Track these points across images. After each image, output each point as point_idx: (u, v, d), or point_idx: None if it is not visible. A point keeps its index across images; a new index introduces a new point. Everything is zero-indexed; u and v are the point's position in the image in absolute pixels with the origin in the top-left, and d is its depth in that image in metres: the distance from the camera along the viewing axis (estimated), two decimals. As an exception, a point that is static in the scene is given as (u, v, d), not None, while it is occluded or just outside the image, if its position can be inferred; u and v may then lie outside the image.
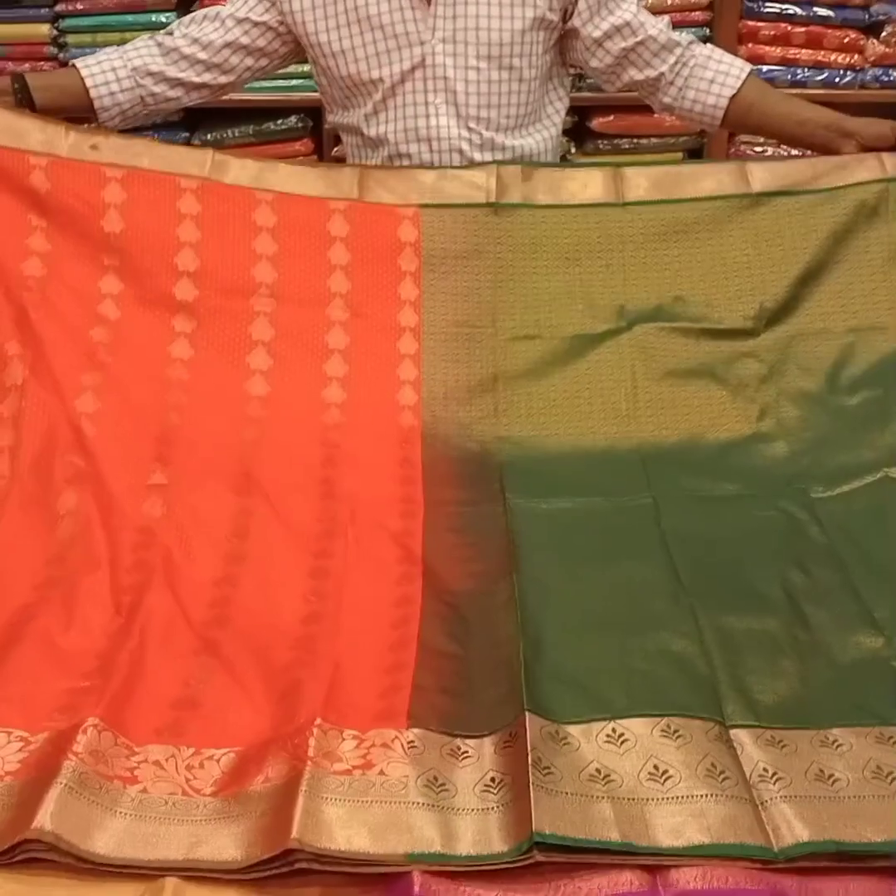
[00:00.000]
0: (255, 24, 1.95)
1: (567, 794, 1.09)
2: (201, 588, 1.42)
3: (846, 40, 2.76)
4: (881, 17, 2.74)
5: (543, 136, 2.03)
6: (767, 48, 2.76)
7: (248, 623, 1.37)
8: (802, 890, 1.03)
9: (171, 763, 1.15)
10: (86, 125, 1.89)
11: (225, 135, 2.82)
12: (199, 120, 2.84)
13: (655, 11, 2.66)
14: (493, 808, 1.10)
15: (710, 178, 1.81)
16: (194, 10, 2.69)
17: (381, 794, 1.10)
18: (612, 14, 1.94)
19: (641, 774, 1.12)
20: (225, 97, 2.70)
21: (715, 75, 1.93)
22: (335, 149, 2.84)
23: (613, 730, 1.17)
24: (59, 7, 2.75)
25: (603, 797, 1.10)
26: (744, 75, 1.93)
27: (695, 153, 2.92)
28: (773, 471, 1.63)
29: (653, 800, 1.10)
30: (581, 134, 2.87)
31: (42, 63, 2.77)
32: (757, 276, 1.75)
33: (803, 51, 2.77)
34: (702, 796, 1.10)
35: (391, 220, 1.77)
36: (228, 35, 1.96)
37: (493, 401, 1.70)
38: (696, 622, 1.33)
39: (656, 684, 1.24)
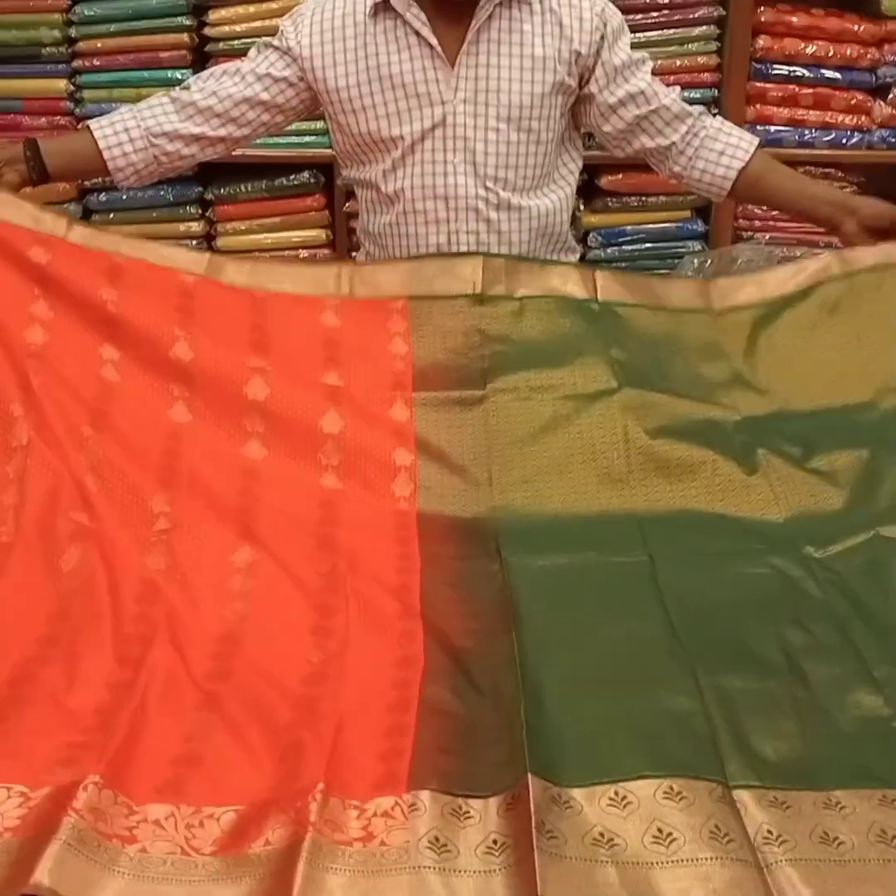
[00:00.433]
0: (276, 80, 1.98)
1: (571, 858, 1.08)
2: (204, 642, 1.41)
3: (853, 102, 2.79)
4: (888, 80, 2.77)
5: (558, 196, 2.06)
6: (775, 109, 2.79)
7: (250, 679, 1.36)
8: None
9: (171, 822, 1.14)
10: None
11: (238, 190, 2.85)
12: (213, 175, 2.87)
13: (664, 72, 2.73)
14: (495, 871, 1.09)
15: (676, 294, 1.88)
16: (210, 67, 2.76)
17: (382, 864, 1.09)
18: (627, 82, 1.98)
19: (645, 838, 1.11)
20: (237, 152, 2.74)
21: (725, 147, 1.98)
22: (347, 205, 2.87)
23: (616, 792, 1.16)
24: (76, 63, 2.79)
25: (607, 861, 1.09)
26: (752, 149, 1.98)
27: (702, 212, 2.94)
28: (766, 532, 1.63)
29: (658, 864, 1.09)
30: (590, 191, 2.89)
31: (59, 118, 2.81)
32: (733, 371, 1.80)
33: (811, 112, 2.80)
34: (707, 859, 1.09)
35: (380, 313, 1.81)
36: (248, 90, 1.98)
37: (486, 469, 1.70)
38: (696, 681, 1.32)
39: (657, 744, 1.23)
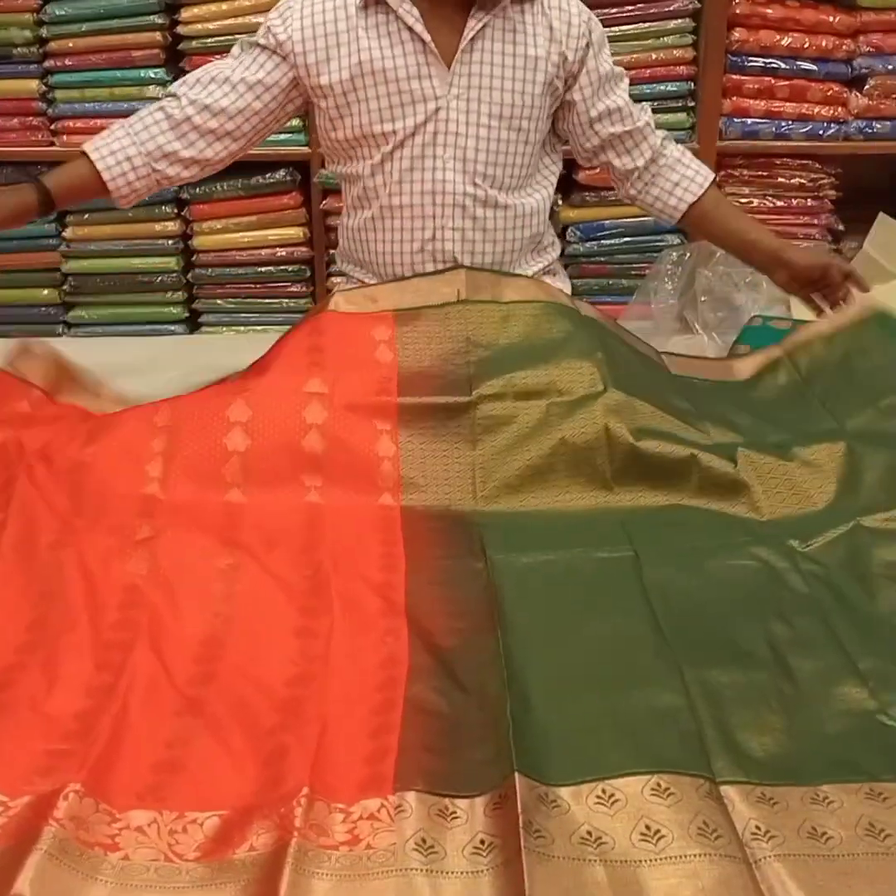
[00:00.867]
0: (268, 87, 1.94)
1: (559, 858, 1.07)
2: (187, 646, 1.40)
3: (829, 93, 2.78)
4: (864, 71, 2.77)
5: (541, 195, 2.07)
6: (752, 101, 2.78)
7: (234, 682, 1.35)
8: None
9: (153, 828, 1.13)
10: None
11: (213, 188, 2.82)
12: (188, 174, 2.85)
13: (640, 66, 2.74)
14: (483, 871, 1.08)
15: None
16: (184, 67, 2.74)
17: (368, 867, 1.09)
18: (607, 96, 2.02)
19: (633, 835, 1.11)
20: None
21: (680, 179, 2.07)
22: (323, 202, 2.85)
23: (603, 791, 1.15)
24: (48, 63, 2.76)
25: (595, 860, 1.08)
26: (707, 185, 2.08)
27: (681, 205, 2.93)
28: (750, 526, 1.64)
29: (646, 861, 1.08)
30: (567, 186, 2.88)
31: (31, 118, 2.78)
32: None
33: (787, 104, 2.79)
34: (695, 856, 1.09)
35: (365, 322, 1.83)
36: (240, 101, 1.94)
37: (470, 476, 1.70)
38: (682, 677, 1.32)
39: (644, 741, 1.23)
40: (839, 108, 2.80)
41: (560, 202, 2.87)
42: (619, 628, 1.42)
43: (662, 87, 2.78)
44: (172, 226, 2.86)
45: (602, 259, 2.91)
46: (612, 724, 1.25)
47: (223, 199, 2.86)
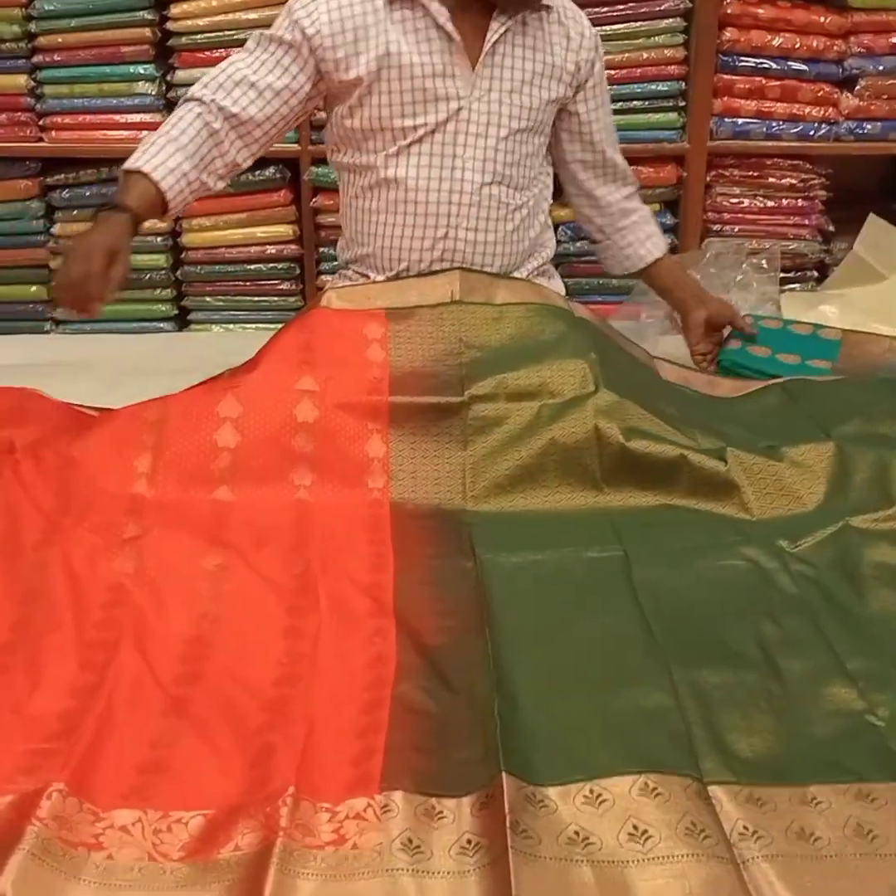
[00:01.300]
0: (294, 92, 1.92)
1: (546, 858, 1.07)
2: (173, 645, 1.39)
3: (820, 94, 2.78)
4: (855, 72, 2.76)
5: (543, 194, 2.13)
6: (742, 102, 2.77)
7: (220, 682, 1.34)
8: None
9: (138, 827, 1.12)
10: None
11: (203, 186, 2.82)
12: (177, 171, 2.84)
13: (631, 65, 2.75)
14: (469, 871, 1.08)
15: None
16: (173, 63, 2.73)
17: (354, 868, 1.08)
18: (605, 115, 2.13)
19: (621, 835, 1.10)
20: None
21: (651, 235, 2.23)
22: (312, 200, 2.84)
23: (591, 790, 1.15)
24: (37, 58, 2.74)
25: (582, 861, 1.08)
26: (665, 250, 2.25)
27: (671, 206, 2.93)
28: (740, 526, 1.64)
29: (633, 862, 1.08)
30: (558, 185, 2.87)
31: (19, 114, 2.76)
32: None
33: (778, 104, 2.78)
34: (683, 856, 1.08)
35: (358, 319, 1.83)
36: (268, 107, 1.92)
37: (460, 477, 1.70)
38: (671, 676, 1.32)
39: (632, 741, 1.22)
40: (830, 109, 2.80)
41: (551, 200, 2.86)
42: (608, 628, 1.42)
43: (653, 87, 2.77)
44: (161, 223, 2.85)
45: (592, 258, 2.90)
46: (601, 724, 1.25)
47: (212, 197, 2.80)
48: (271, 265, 2.91)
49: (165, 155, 1.86)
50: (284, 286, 2.93)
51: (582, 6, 2.06)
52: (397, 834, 1.11)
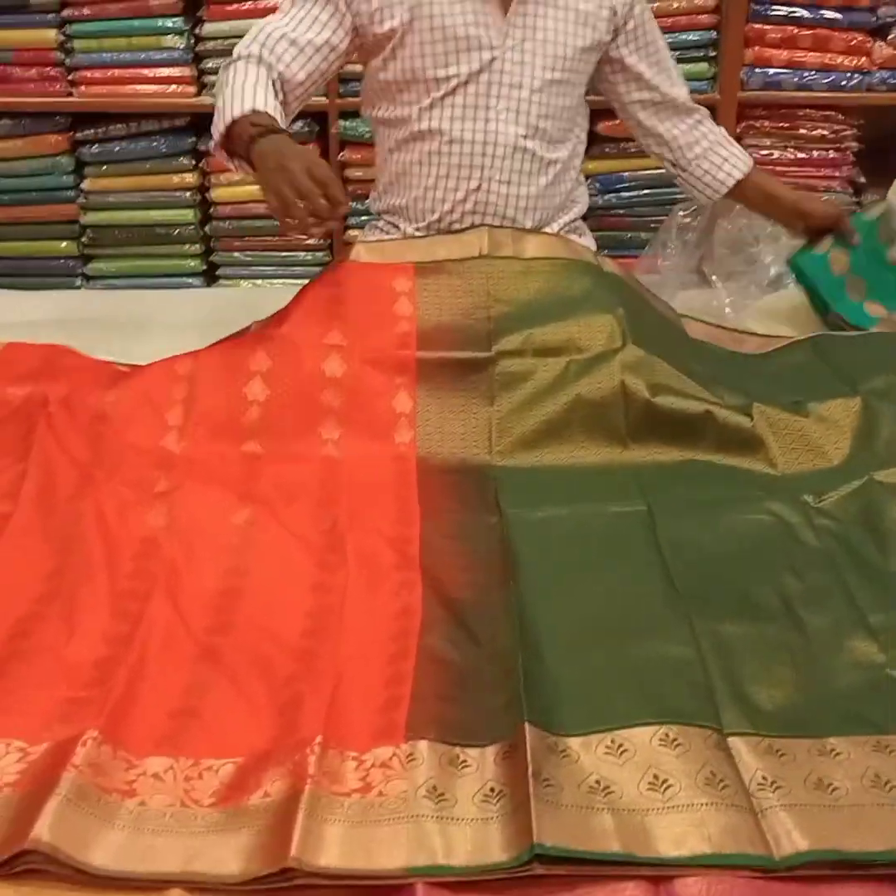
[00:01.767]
0: (333, 47, 1.93)
1: (567, 806, 1.09)
2: (204, 597, 1.42)
3: (853, 43, 2.73)
4: (888, 20, 2.71)
5: (576, 148, 2.11)
6: (774, 51, 2.74)
7: (250, 633, 1.37)
8: (804, 898, 1.03)
9: (170, 774, 1.15)
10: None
11: (231, 140, 2.81)
12: (206, 125, 2.83)
13: (663, 15, 2.71)
14: (492, 819, 1.10)
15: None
16: (201, 16, 2.72)
17: (380, 814, 1.10)
18: (653, 54, 2.09)
19: (641, 785, 1.12)
20: (230, 103, 2.72)
21: (727, 157, 2.17)
22: (340, 154, 2.83)
23: (612, 740, 1.17)
24: (66, 12, 2.74)
25: (603, 808, 1.10)
26: (750, 164, 2.19)
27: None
28: (764, 480, 1.64)
29: (653, 810, 1.10)
30: (587, 138, 2.86)
31: (49, 68, 2.76)
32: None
33: (810, 54, 2.74)
34: (702, 805, 1.10)
35: (386, 273, 1.83)
36: (309, 64, 1.92)
37: (487, 432, 1.71)
38: (693, 629, 1.33)
39: (654, 692, 1.24)
40: (863, 59, 2.76)
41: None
42: (630, 581, 1.43)
43: (684, 37, 2.74)
44: (190, 177, 2.85)
45: (621, 211, 2.89)
46: (623, 676, 1.27)
47: (241, 150, 2.84)
48: (300, 220, 2.91)
49: (256, 95, 1.82)
50: (312, 241, 2.93)
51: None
52: (422, 782, 1.13)
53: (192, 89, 2.75)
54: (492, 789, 1.13)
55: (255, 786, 1.13)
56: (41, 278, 2.85)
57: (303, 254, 2.94)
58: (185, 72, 2.73)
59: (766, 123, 2.83)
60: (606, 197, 2.86)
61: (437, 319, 1.78)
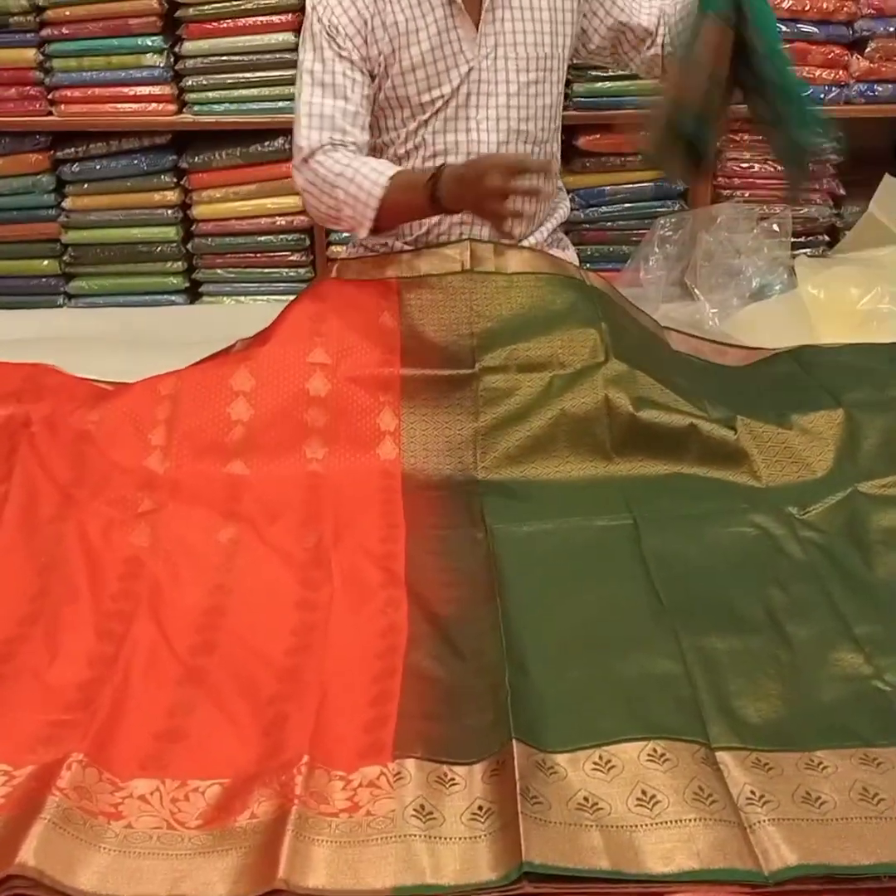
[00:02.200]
0: (367, 95, 1.94)
1: (556, 823, 1.09)
2: (188, 616, 1.42)
3: (830, 56, 2.75)
4: (865, 34, 2.73)
5: (559, 148, 2.12)
6: (752, 65, 2.76)
7: (235, 652, 1.36)
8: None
9: (156, 796, 1.15)
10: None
11: (212, 157, 2.81)
12: (187, 143, 2.83)
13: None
14: (481, 837, 1.10)
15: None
16: (181, 35, 2.72)
17: (368, 834, 1.10)
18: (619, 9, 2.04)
19: (629, 800, 1.12)
20: (211, 120, 2.72)
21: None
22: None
23: (600, 756, 1.17)
24: (45, 32, 2.74)
25: (592, 825, 1.10)
26: None
27: (682, 170, 2.91)
28: (749, 493, 1.65)
29: (642, 826, 1.10)
30: (568, 152, 2.87)
31: (28, 88, 2.76)
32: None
33: (788, 67, 2.77)
34: (690, 820, 1.10)
35: (369, 289, 1.84)
36: (362, 118, 1.94)
37: (472, 448, 1.71)
38: (679, 643, 1.34)
39: (641, 707, 1.24)
40: (840, 71, 2.78)
41: (560, 168, 2.85)
42: (617, 596, 1.44)
43: (663, 52, 2.75)
44: (172, 195, 2.85)
45: (603, 225, 2.89)
46: (610, 691, 1.27)
47: (222, 168, 2.84)
48: (282, 236, 2.90)
49: (371, 167, 1.86)
50: (295, 257, 2.92)
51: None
52: (410, 801, 1.13)
53: (172, 107, 2.75)
54: (480, 808, 1.13)
55: (241, 807, 1.13)
56: (23, 297, 2.84)
57: (286, 270, 2.94)
58: (166, 90, 2.72)
59: (746, 137, 2.84)
60: (588, 211, 2.86)
61: (421, 336, 1.78)
